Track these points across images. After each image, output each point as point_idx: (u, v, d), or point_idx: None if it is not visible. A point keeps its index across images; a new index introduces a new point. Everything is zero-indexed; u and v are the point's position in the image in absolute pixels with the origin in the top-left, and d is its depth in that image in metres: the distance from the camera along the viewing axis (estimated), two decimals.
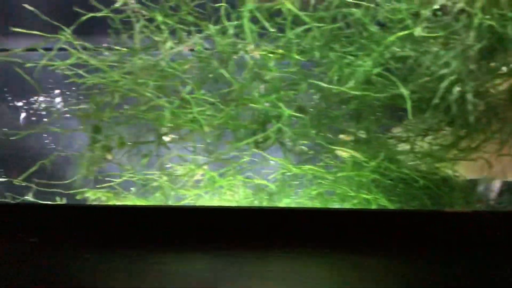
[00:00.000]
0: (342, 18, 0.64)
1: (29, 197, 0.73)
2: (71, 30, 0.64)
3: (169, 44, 0.61)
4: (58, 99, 0.93)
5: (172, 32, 0.68)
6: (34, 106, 0.93)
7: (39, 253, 0.66)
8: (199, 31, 0.69)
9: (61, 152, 0.80)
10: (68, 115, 0.77)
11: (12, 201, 0.71)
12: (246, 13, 0.63)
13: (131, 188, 0.83)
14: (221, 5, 0.69)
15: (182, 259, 0.66)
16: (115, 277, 0.60)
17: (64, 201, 0.78)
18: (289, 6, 0.59)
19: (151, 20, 0.66)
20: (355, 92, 0.65)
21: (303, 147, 0.77)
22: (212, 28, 0.68)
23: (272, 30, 0.61)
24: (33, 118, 0.91)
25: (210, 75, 0.71)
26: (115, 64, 0.62)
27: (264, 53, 0.63)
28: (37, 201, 0.73)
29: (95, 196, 0.77)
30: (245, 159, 0.80)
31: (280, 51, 0.62)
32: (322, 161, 0.82)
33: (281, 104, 0.63)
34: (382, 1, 0.64)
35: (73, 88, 0.84)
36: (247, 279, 0.58)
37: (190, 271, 0.62)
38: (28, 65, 0.66)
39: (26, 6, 0.68)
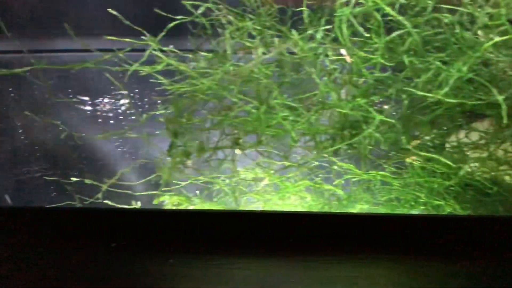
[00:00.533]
0: (435, 24, 0.64)
1: (105, 200, 0.74)
2: (160, 36, 0.64)
3: (260, 49, 0.61)
4: (124, 102, 0.94)
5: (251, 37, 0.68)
6: (99, 108, 0.94)
7: (121, 258, 0.66)
8: (280, 37, 0.68)
9: (135, 156, 0.80)
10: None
11: (92, 206, 0.71)
12: (337, 18, 0.62)
13: (196, 191, 0.84)
14: (302, 9, 0.69)
15: (258, 263, 0.65)
16: (198, 283, 0.60)
17: (139, 205, 0.78)
18: (388, 10, 0.58)
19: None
20: (451, 100, 0.64)
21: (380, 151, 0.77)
22: (294, 34, 0.67)
23: (366, 35, 0.61)
24: (99, 120, 0.91)
25: (289, 80, 0.71)
26: (206, 70, 0.62)
27: (354, 59, 0.62)
28: (116, 205, 0.74)
29: (171, 201, 0.77)
30: (314, 165, 0.80)
31: (374, 56, 0.61)
32: (389, 167, 0.81)
33: (371, 109, 0.62)
34: (473, 8, 0.62)
35: (146, 92, 0.84)
36: (319, 284, 0.58)
37: (267, 276, 0.62)
38: (116, 69, 0.66)
39: (111, 11, 0.68)
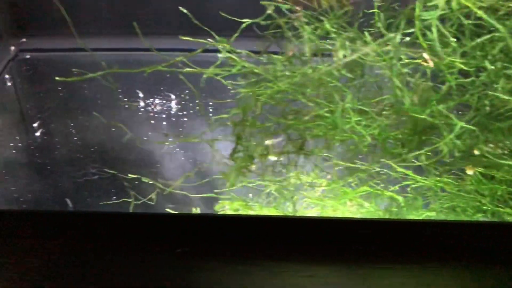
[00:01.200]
0: None
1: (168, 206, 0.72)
2: (233, 38, 0.62)
3: (341, 52, 0.59)
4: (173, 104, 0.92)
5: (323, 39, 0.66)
6: (150, 109, 0.92)
7: (188, 264, 0.64)
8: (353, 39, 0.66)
9: (190, 159, 0.78)
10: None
11: (156, 212, 0.70)
12: (418, 22, 0.60)
13: (249, 195, 0.82)
14: (374, 11, 0.67)
15: (320, 270, 0.64)
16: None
17: (198, 211, 0.76)
18: (480, 13, 0.56)
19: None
20: None
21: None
22: (367, 37, 0.65)
23: (452, 39, 0.59)
24: (152, 122, 0.90)
25: (359, 83, 0.69)
26: (284, 73, 0.60)
27: (438, 62, 0.60)
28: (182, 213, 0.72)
29: (231, 206, 0.75)
30: (375, 170, 0.78)
31: (459, 60, 0.59)
32: (449, 174, 0.79)
33: (452, 115, 0.61)
34: None
35: (204, 95, 0.82)
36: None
37: (331, 284, 0.61)
38: (187, 70, 0.64)
39: (182, 9, 0.66)
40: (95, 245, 0.63)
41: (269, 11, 0.65)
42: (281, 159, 0.72)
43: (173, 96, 0.89)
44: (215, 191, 0.73)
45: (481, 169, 0.77)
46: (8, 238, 0.62)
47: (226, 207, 0.76)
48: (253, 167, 0.72)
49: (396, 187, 0.81)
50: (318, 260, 0.65)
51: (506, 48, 0.63)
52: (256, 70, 0.60)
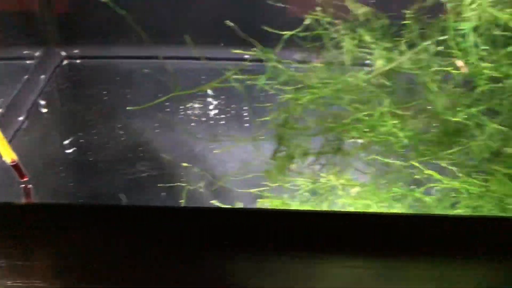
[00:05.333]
0: None
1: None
2: (278, 48, 0.68)
3: (380, 62, 0.64)
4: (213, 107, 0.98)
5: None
6: (190, 112, 0.98)
7: (233, 255, 0.69)
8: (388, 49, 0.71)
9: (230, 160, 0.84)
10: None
11: (191, 206, 0.75)
12: (452, 32, 0.65)
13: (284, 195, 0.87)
14: (407, 22, 0.72)
15: (338, 262, 0.69)
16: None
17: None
18: None
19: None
20: None
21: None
22: (403, 46, 0.70)
23: (485, 47, 0.64)
24: (192, 124, 0.96)
25: (395, 89, 0.74)
26: (328, 81, 0.65)
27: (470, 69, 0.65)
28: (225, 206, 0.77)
29: (272, 204, 0.80)
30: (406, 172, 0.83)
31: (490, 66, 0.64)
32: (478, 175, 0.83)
33: (484, 118, 0.65)
34: None
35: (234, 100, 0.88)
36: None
37: (346, 273, 0.65)
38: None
39: (228, 22, 0.71)
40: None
41: (307, 22, 0.71)
42: (319, 160, 0.77)
43: (214, 102, 0.94)
44: (259, 189, 0.78)
45: (506, 170, 0.81)
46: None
47: (266, 205, 0.81)
48: (294, 166, 0.77)
49: (422, 189, 0.85)
50: (353, 252, 0.70)
51: None
52: (300, 78, 0.65)
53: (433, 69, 0.70)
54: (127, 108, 0.81)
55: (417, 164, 0.82)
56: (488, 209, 0.88)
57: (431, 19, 0.74)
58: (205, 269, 0.66)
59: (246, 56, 0.73)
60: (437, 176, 0.83)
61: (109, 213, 0.72)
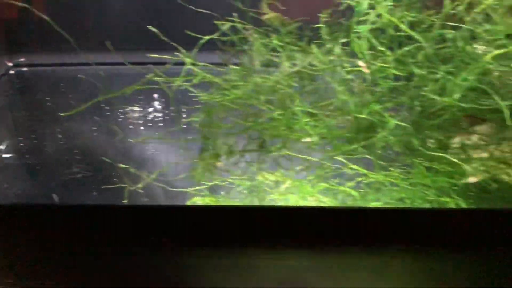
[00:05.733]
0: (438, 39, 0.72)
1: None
2: (194, 52, 0.72)
3: (286, 63, 0.69)
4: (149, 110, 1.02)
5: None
6: (128, 115, 1.02)
7: (156, 250, 0.73)
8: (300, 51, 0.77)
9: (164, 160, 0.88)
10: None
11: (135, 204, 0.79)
12: (354, 35, 0.70)
13: (222, 192, 0.91)
14: (320, 26, 0.78)
15: (274, 255, 0.73)
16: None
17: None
18: (404, 27, 0.66)
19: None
20: (450, 104, 0.72)
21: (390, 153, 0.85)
22: (314, 48, 0.76)
23: (381, 48, 0.69)
24: (130, 127, 1.00)
25: (309, 89, 0.79)
26: (238, 82, 0.70)
27: (371, 68, 0.70)
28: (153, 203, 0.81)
29: (202, 202, 0.84)
30: (330, 167, 0.88)
31: (384, 66, 0.69)
32: (397, 169, 0.89)
33: (386, 115, 0.71)
34: (476, 24, 0.71)
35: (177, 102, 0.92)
36: (329, 269, 0.66)
37: (282, 265, 0.70)
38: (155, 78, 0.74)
39: (151, 28, 0.76)
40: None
41: (224, 28, 0.76)
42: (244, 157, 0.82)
43: (155, 105, 0.99)
44: (193, 188, 0.82)
45: (426, 163, 0.86)
46: None
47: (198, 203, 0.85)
48: (220, 164, 0.82)
49: (350, 183, 0.90)
50: (281, 245, 0.74)
51: (434, 55, 0.73)
52: (215, 80, 0.70)
53: (341, 69, 0.75)
54: (60, 114, 0.85)
55: (343, 160, 0.87)
56: (411, 201, 0.93)
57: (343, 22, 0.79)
58: (133, 265, 0.69)
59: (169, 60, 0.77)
60: (362, 170, 0.88)
61: (40, 212, 0.75)
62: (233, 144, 0.81)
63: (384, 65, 0.68)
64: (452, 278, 0.66)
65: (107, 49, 0.86)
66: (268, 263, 0.69)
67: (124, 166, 0.82)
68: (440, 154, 0.75)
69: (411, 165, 0.88)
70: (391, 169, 0.88)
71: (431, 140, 0.86)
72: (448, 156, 0.74)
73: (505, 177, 0.88)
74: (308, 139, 0.76)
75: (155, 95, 1.02)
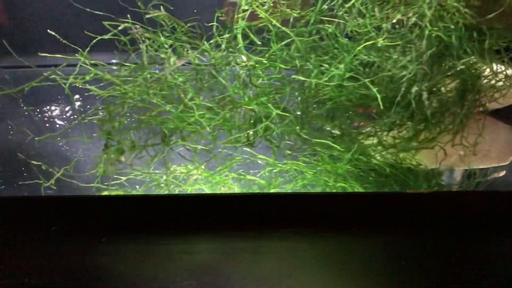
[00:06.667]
0: (317, 33, 0.77)
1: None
2: (86, 52, 0.76)
3: (172, 59, 0.73)
4: (68, 109, 1.05)
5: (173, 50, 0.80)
6: (47, 114, 1.05)
7: (61, 239, 0.77)
8: (195, 48, 0.81)
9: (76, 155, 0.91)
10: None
11: (35, 195, 0.82)
12: (239, 30, 0.75)
13: (137, 186, 0.95)
14: (214, 24, 0.82)
15: (185, 240, 0.78)
16: (127, 256, 0.71)
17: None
18: (275, 22, 0.71)
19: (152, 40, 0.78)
20: (331, 94, 0.78)
21: (289, 142, 0.90)
22: (206, 45, 0.80)
23: (259, 43, 0.74)
24: (47, 125, 1.03)
25: (206, 84, 0.84)
26: (128, 78, 0.74)
27: (252, 63, 0.75)
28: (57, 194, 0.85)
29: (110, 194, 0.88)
30: (238, 158, 0.92)
31: (266, 61, 0.74)
32: (302, 158, 0.94)
33: (269, 105, 0.75)
34: (350, 18, 0.77)
35: (88, 101, 0.96)
36: (241, 254, 0.71)
37: (194, 250, 0.74)
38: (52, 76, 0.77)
39: (51, 32, 0.79)
40: None
41: (120, 27, 0.79)
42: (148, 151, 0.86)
43: (75, 104, 1.02)
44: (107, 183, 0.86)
45: (327, 151, 0.92)
46: None
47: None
48: (123, 158, 0.85)
49: (266, 172, 0.95)
50: (182, 232, 0.79)
51: (311, 48, 0.78)
52: (107, 77, 0.74)
53: (232, 65, 0.80)
54: None
55: (249, 150, 0.92)
56: (320, 186, 0.99)
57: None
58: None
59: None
60: (270, 160, 0.93)
61: None
62: (135, 139, 0.85)
63: (263, 60, 0.72)
64: (344, 258, 0.71)
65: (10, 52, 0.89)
66: (180, 249, 0.74)
67: (36, 163, 0.86)
68: (324, 141, 0.80)
69: (318, 154, 0.94)
70: (301, 158, 0.94)
71: (330, 129, 0.92)
72: (333, 147, 0.79)
73: (397, 162, 0.94)
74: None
75: (76, 96, 1.05)
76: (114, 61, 0.77)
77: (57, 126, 1.01)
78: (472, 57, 0.72)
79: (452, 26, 0.70)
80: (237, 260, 0.72)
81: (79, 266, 0.70)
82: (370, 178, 0.96)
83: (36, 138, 0.82)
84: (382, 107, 0.75)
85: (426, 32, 0.71)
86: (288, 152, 0.90)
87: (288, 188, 0.96)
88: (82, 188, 0.89)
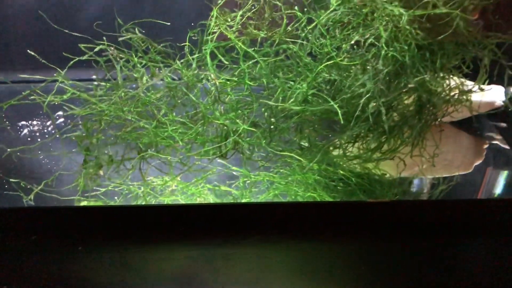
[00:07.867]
0: (282, 52, 0.83)
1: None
2: (63, 72, 0.81)
3: (144, 78, 0.78)
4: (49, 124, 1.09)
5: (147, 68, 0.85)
6: (29, 129, 1.09)
7: (39, 248, 0.81)
8: (168, 66, 0.86)
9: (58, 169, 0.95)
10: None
11: (17, 206, 0.86)
12: (207, 50, 0.80)
13: (115, 198, 0.99)
14: (186, 44, 0.87)
15: (160, 249, 0.82)
16: (103, 264, 0.75)
17: None
18: (240, 45, 0.76)
19: (127, 60, 0.83)
20: (296, 108, 0.83)
21: (263, 154, 0.95)
22: (178, 63, 0.85)
23: (227, 63, 0.79)
24: (29, 139, 1.07)
25: (180, 101, 0.89)
26: (103, 98, 0.79)
27: (222, 80, 0.80)
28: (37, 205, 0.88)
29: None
30: (213, 170, 0.97)
31: (235, 78, 0.79)
32: (275, 169, 0.99)
33: (238, 121, 0.80)
34: (312, 38, 0.82)
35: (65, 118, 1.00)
36: (216, 260, 0.75)
37: (169, 257, 0.79)
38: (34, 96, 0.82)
39: (31, 52, 0.84)
40: None
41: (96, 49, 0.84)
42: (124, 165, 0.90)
43: (58, 119, 1.06)
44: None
45: (298, 162, 0.96)
46: None
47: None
48: (101, 172, 0.90)
49: (241, 183, 1.00)
50: (158, 240, 0.83)
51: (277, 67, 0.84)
52: (83, 96, 0.78)
53: (204, 82, 0.84)
54: None
55: (225, 163, 0.97)
56: (291, 196, 1.03)
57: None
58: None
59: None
60: (244, 172, 0.98)
61: None
62: (112, 154, 0.90)
63: (230, 78, 0.77)
64: (310, 263, 0.76)
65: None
66: (156, 257, 0.78)
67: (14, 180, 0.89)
68: (288, 153, 0.85)
69: (290, 165, 0.99)
70: (274, 169, 0.98)
71: (298, 141, 0.96)
72: (288, 153, 0.84)
73: (363, 172, 0.99)
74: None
75: (60, 112, 1.09)
76: (94, 76, 0.82)
77: (39, 140, 1.05)
78: (425, 75, 0.77)
79: (406, 47, 0.75)
80: (211, 267, 0.77)
81: (57, 275, 0.74)
82: (338, 187, 1.01)
83: (8, 150, 0.86)
84: (342, 122, 0.80)
85: (383, 52, 0.77)
86: (261, 163, 0.95)
87: (262, 198, 1.01)
88: (62, 201, 0.93)
